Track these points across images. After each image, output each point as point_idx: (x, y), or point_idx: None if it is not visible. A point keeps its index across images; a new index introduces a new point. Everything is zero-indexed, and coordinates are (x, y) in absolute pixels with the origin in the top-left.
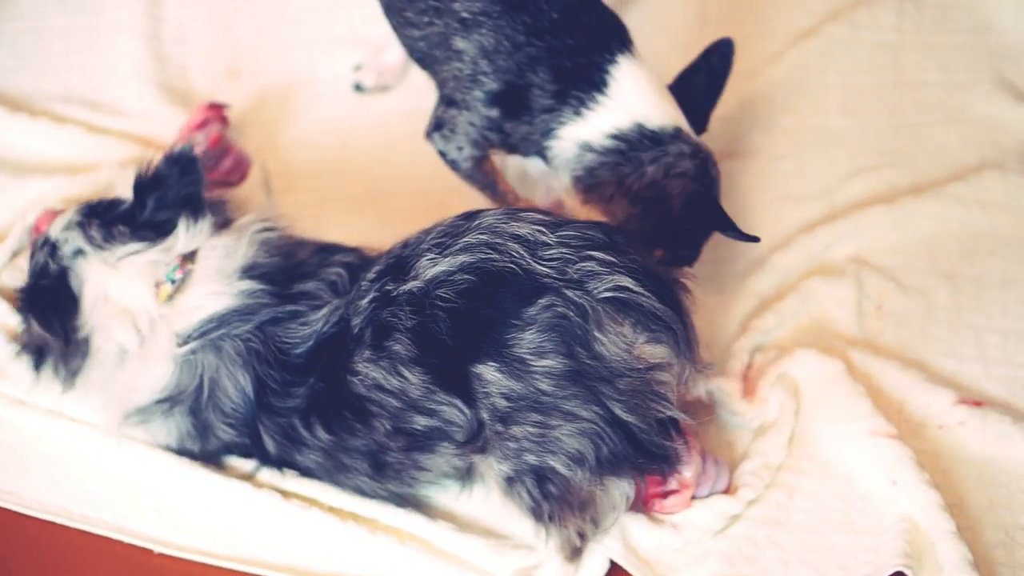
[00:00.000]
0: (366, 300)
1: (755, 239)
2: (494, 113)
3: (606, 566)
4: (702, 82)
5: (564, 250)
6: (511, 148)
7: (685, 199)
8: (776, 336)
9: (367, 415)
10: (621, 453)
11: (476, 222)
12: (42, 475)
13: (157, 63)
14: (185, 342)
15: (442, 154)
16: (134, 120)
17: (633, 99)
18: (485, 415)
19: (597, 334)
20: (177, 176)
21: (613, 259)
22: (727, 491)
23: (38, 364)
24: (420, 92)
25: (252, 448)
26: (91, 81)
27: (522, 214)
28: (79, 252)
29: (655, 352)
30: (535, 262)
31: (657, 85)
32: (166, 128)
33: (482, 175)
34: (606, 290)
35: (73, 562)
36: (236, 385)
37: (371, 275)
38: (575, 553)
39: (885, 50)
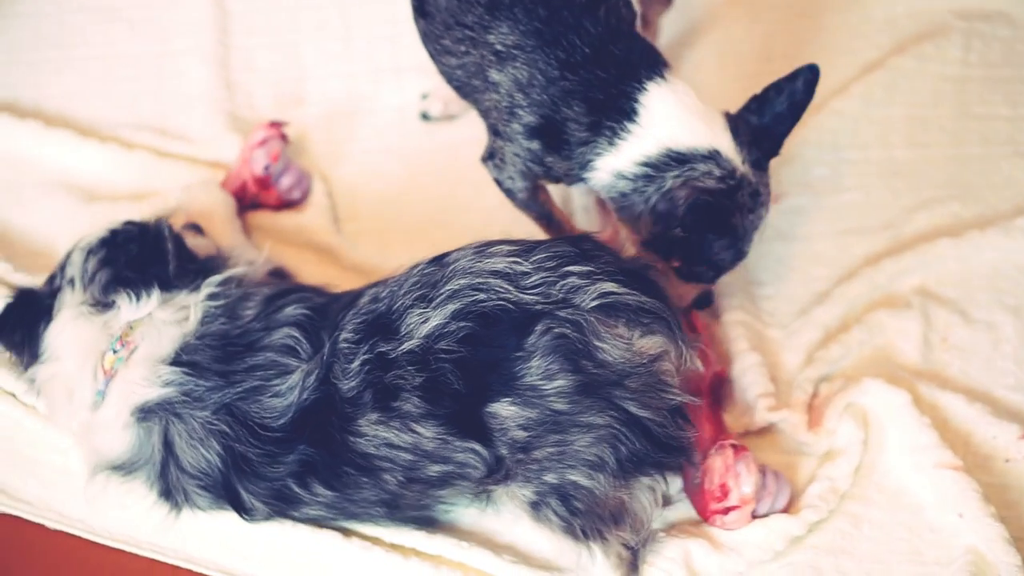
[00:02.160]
0: (356, 363)
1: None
2: (535, 146)
3: None
4: (782, 105)
5: (543, 274)
6: (556, 179)
7: (690, 204)
8: (841, 367)
9: (375, 471)
10: (640, 451)
11: (451, 267)
12: (113, 505)
13: (225, 90)
14: (132, 418)
15: (497, 182)
16: (201, 146)
17: (662, 124)
18: (504, 450)
19: (597, 343)
20: (141, 250)
21: (590, 268)
22: (788, 510)
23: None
24: None
25: (233, 508)
26: (160, 107)
27: (491, 249)
28: (71, 282)
29: (653, 343)
30: (521, 292)
31: (692, 106)
32: (232, 153)
33: (538, 205)
34: (592, 299)
35: None
36: (200, 459)
37: (348, 335)
38: (631, 569)
39: (951, 83)
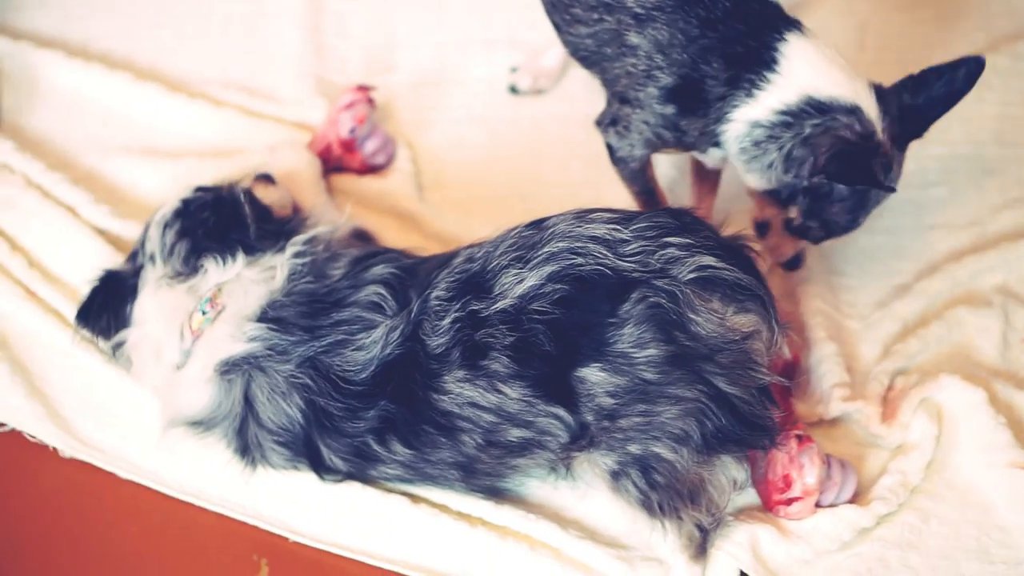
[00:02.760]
0: (447, 320)
1: (892, 189)
2: (669, 110)
3: None
4: (939, 90)
5: (642, 242)
6: (687, 146)
7: (832, 152)
8: (918, 362)
9: (455, 431)
10: (725, 427)
11: (549, 230)
12: (186, 458)
13: (316, 53)
14: (216, 373)
15: (612, 149)
16: (288, 107)
17: (803, 73)
18: (590, 417)
19: (691, 315)
20: (218, 218)
21: (689, 240)
22: (855, 500)
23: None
24: (574, 97)
25: (312, 467)
26: (250, 67)
27: (591, 215)
28: (152, 258)
29: (747, 321)
30: (619, 259)
31: (834, 60)
32: (319, 116)
33: (644, 179)
34: (690, 271)
35: (210, 543)
36: (281, 414)
37: (441, 292)
38: (699, 551)
39: None
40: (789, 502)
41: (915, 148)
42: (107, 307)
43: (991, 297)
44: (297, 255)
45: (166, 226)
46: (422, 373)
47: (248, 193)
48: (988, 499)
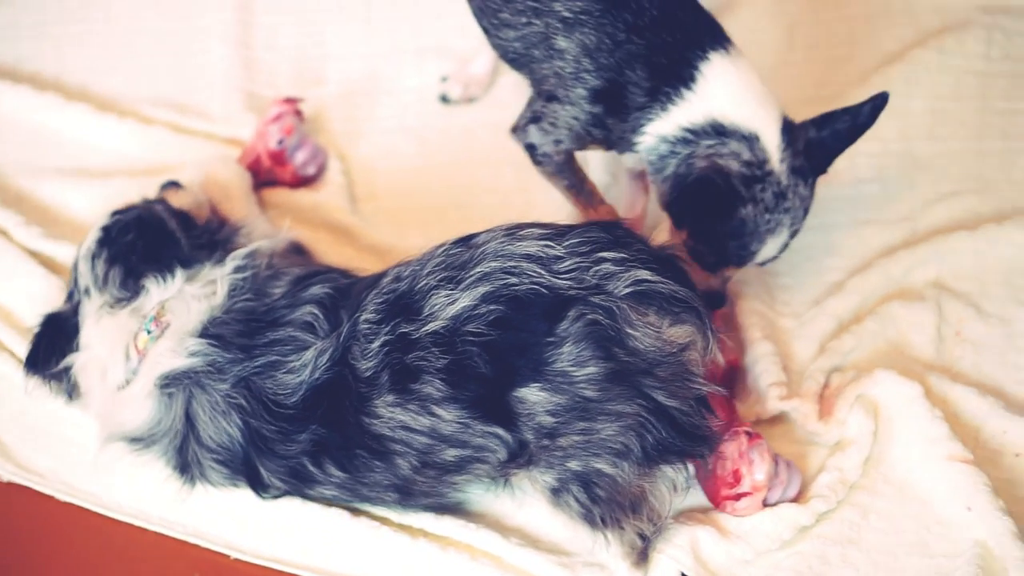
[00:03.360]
0: (376, 344)
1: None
2: (598, 109)
3: None
4: (843, 124)
5: (576, 259)
6: (611, 144)
7: (696, 176)
8: (854, 358)
9: (388, 454)
10: (665, 439)
11: (480, 249)
12: (124, 478)
13: (245, 68)
14: (156, 388)
15: (534, 148)
16: (219, 122)
17: (716, 94)
18: (530, 435)
19: (629, 330)
20: (145, 238)
21: (623, 255)
22: (797, 499)
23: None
24: (505, 104)
25: (250, 485)
26: (180, 84)
27: (521, 232)
28: (86, 291)
29: (682, 332)
30: (554, 277)
31: (749, 85)
32: (250, 131)
33: (572, 171)
34: (625, 286)
35: (150, 563)
36: (221, 432)
37: (370, 315)
38: (641, 557)
39: (972, 76)
40: (738, 497)
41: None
42: (54, 350)
43: (925, 292)
44: (237, 270)
45: (93, 257)
46: (352, 398)
47: (167, 206)
48: (926, 493)
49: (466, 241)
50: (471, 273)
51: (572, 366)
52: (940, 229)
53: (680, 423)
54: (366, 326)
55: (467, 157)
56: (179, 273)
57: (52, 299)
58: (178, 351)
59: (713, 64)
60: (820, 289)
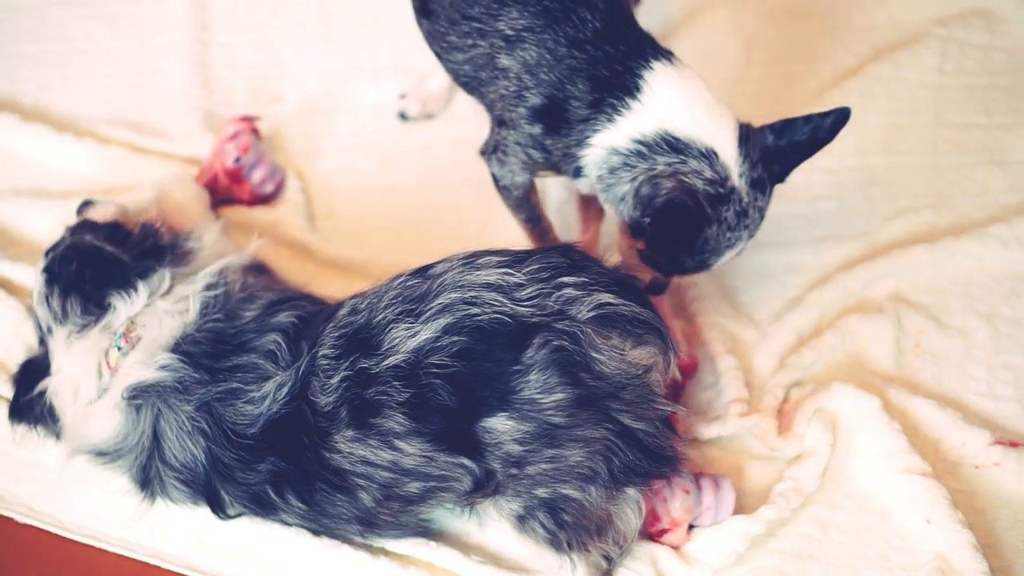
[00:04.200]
0: (335, 379)
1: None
2: (536, 130)
3: None
4: (803, 135)
5: (537, 285)
6: (554, 167)
7: (668, 199)
8: (813, 372)
9: (351, 488)
10: (632, 461)
11: (439, 280)
12: (82, 500)
13: (203, 87)
14: (123, 400)
15: (496, 178)
16: (177, 142)
17: (664, 105)
18: (496, 464)
19: (594, 354)
20: (87, 264)
21: (584, 279)
22: (746, 511)
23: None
24: (464, 121)
25: (211, 507)
26: (137, 103)
27: (478, 261)
28: (50, 330)
29: (646, 354)
30: (516, 305)
31: (698, 95)
32: (207, 149)
33: (529, 207)
34: (588, 311)
35: None
36: (186, 452)
37: (328, 351)
38: None
39: (927, 90)
40: (660, 533)
41: (805, 163)
42: (36, 396)
43: (884, 305)
44: (208, 287)
45: (46, 298)
46: (310, 432)
47: (94, 232)
48: (885, 506)
49: (423, 272)
50: (431, 305)
51: (539, 393)
52: (898, 243)
53: (646, 444)
54: (324, 361)
55: (426, 175)
56: (141, 286)
57: (9, 320)
58: (148, 364)
59: (657, 73)
60: (780, 304)
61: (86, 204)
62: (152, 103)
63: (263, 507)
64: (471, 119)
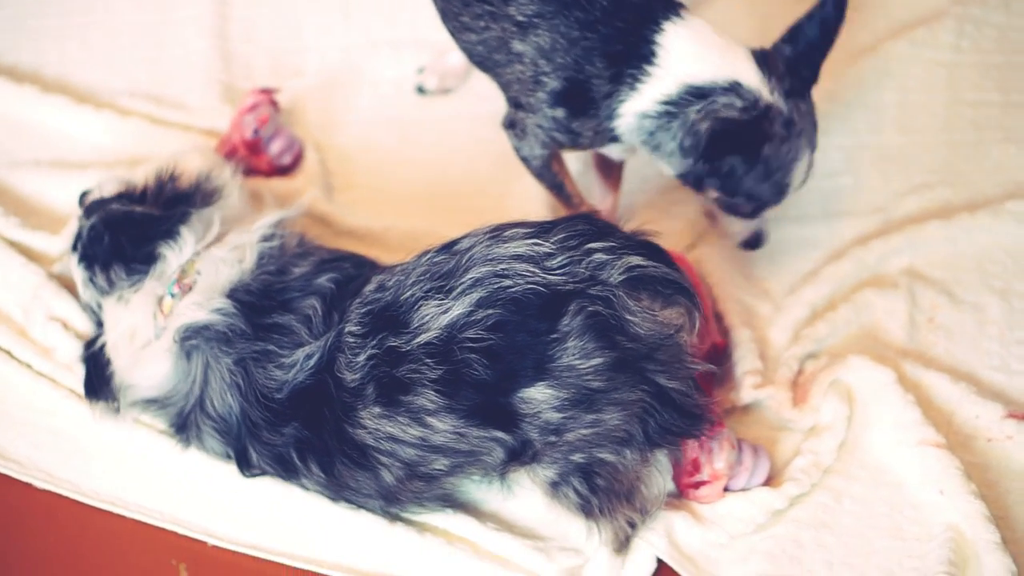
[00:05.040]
0: (362, 357)
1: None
2: (559, 114)
3: (653, 564)
4: (814, 31)
5: (567, 253)
6: (583, 146)
7: (709, 134)
8: (828, 345)
9: (372, 466)
10: (667, 421)
11: (467, 255)
12: (102, 465)
13: (222, 60)
14: (175, 341)
15: (516, 149)
16: (196, 114)
17: (679, 61)
18: (535, 434)
19: (628, 317)
20: (125, 231)
21: (612, 243)
22: (769, 483)
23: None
24: (481, 95)
25: (237, 461)
26: (157, 76)
27: (505, 233)
28: (99, 306)
29: (676, 313)
30: (548, 274)
31: (709, 40)
32: (226, 121)
33: (551, 174)
34: (619, 273)
35: (128, 550)
36: (224, 403)
37: (354, 328)
38: (623, 545)
39: (942, 68)
40: (697, 485)
41: (821, 138)
42: (103, 372)
43: (898, 279)
44: (265, 238)
45: (91, 280)
46: (332, 406)
47: (103, 204)
48: (899, 477)
49: (448, 248)
50: (462, 280)
51: (578, 359)
52: (913, 218)
53: (679, 404)
54: (351, 339)
55: (444, 148)
56: (184, 231)
57: (30, 284)
58: (203, 305)
59: (668, 33)
60: (795, 278)
61: (84, 194)
62: (172, 76)
63: (286, 469)
64: (489, 94)
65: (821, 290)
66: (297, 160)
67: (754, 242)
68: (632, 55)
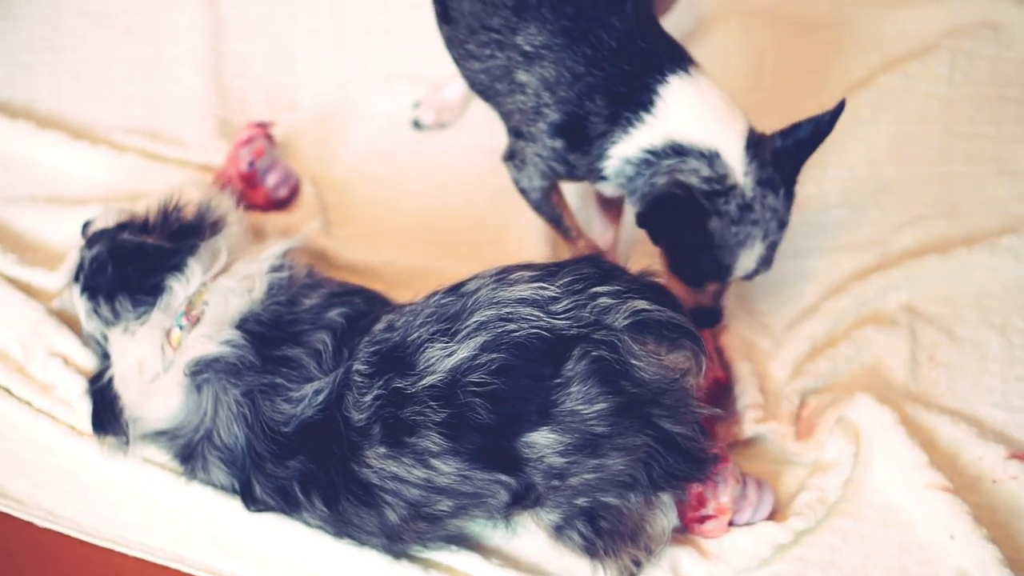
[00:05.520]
0: (368, 397)
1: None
2: (558, 144)
3: None
4: (806, 132)
5: (573, 297)
6: (578, 178)
7: (656, 193)
8: (829, 382)
9: (377, 504)
10: (671, 466)
11: (473, 297)
12: (103, 504)
13: (217, 95)
14: (186, 375)
15: (515, 181)
16: (192, 149)
17: (675, 115)
18: (538, 478)
19: (633, 361)
20: (132, 261)
21: (617, 287)
22: (774, 518)
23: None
24: (477, 130)
25: (242, 493)
26: (152, 112)
27: (511, 276)
28: (105, 337)
29: (680, 358)
30: (552, 318)
31: (710, 104)
32: (222, 156)
33: (550, 207)
34: (624, 318)
35: None
36: (231, 434)
37: (362, 367)
38: None
39: (936, 101)
40: (702, 520)
41: (816, 171)
42: (112, 406)
43: (897, 316)
44: (274, 269)
45: (95, 311)
46: (340, 443)
47: (108, 234)
48: (908, 518)
49: (456, 290)
50: (466, 324)
51: (582, 405)
52: (911, 252)
53: (684, 448)
54: (359, 378)
55: (440, 181)
56: (192, 263)
57: (29, 321)
58: (213, 338)
59: (672, 87)
60: (795, 312)
61: (87, 225)
62: (167, 111)
63: (288, 503)
64: (485, 127)
65: (820, 325)
66: (293, 193)
67: (706, 318)
68: (632, 100)
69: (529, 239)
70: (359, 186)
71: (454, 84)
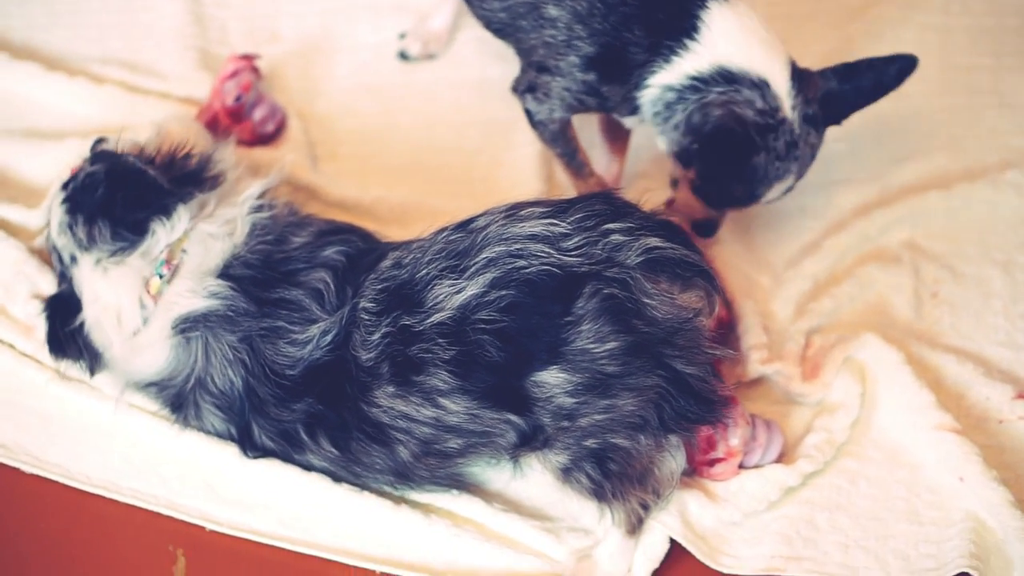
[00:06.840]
0: (376, 336)
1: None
2: (591, 77)
3: (666, 545)
4: (868, 81)
5: (584, 234)
6: (608, 109)
7: (716, 125)
8: (833, 320)
9: (389, 441)
10: (683, 407)
11: (482, 234)
12: (92, 449)
13: (197, 25)
14: (174, 331)
15: (531, 114)
16: (173, 81)
17: (720, 42)
18: (547, 419)
19: (645, 300)
20: (127, 187)
21: (630, 224)
22: (782, 460)
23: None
24: (465, 61)
25: (240, 440)
26: (129, 42)
27: (521, 212)
28: (73, 259)
29: (693, 297)
30: (563, 255)
31: (753, 30)
32: (204, 90)
33: (566, 140)
34: (637, 255)
35: (123, 536)
36: (225, 379)
37: (369, 304)
38: (636, 526)
39: (934, 32)
40: (712, 463)
41: None
42: (69, 332)
43: (900, 253)
44: (256, 209)
45: (69, 227)
46: (352, 383)
47: (114, 154)
48: (916, 460)
49: (465, 226)
50: (476, 260)
51: (592, 343)
52: (911, 187)
53: (696, 390)
54: (366, 316)
55: (429, 116)
56: (182, 211)
57: (10, 259)
58: (198, 291)
59: (714, 12)
60: (795, 248)
61: (100, 141)
62: (144, 42)
63: (291, 445)
64: (473, 60)
65: (822, 262)
66: (280, 128)
67: (706, 228)
68: (673, 27)
69: (522, 174)
70: (345, 120)
71: (440, 14)
